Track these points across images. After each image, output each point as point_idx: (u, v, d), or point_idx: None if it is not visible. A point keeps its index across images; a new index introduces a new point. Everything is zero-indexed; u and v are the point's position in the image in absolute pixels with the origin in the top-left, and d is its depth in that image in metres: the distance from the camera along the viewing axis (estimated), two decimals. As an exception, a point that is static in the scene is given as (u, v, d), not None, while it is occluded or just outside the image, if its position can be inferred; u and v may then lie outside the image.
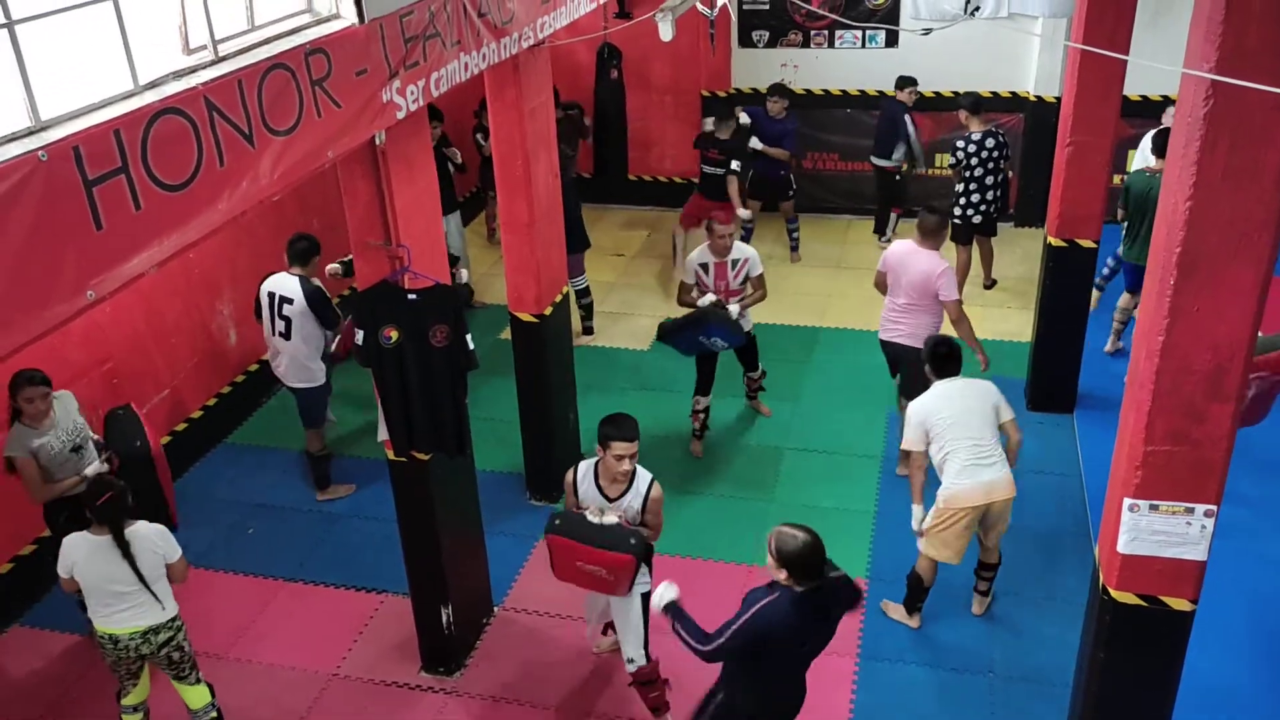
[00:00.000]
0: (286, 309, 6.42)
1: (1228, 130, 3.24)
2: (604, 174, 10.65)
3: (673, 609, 4.16)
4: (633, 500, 4.78)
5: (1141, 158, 8.14)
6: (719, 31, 10.31)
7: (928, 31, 8.01)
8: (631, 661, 4.96)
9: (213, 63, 3.24)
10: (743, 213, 9.03)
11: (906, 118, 9.48)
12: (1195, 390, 3.59)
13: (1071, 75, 6.72)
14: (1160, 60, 4.08)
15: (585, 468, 4.89)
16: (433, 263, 4.75)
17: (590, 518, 4.66)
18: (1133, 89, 7.47)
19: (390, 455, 5.03)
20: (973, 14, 7.85)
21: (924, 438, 5.35)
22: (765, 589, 3.97)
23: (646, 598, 4.90)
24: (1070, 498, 6.62)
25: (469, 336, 4.78)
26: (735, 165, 9.02)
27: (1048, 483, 6.74)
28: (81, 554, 4.58)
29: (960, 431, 5.27)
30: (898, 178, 9.94)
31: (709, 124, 9.69)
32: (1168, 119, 8.14)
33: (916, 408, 5.42)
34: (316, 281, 6.52)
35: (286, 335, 6.46)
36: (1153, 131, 7.82)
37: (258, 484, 7.19)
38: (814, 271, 9.88)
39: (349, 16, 3.85)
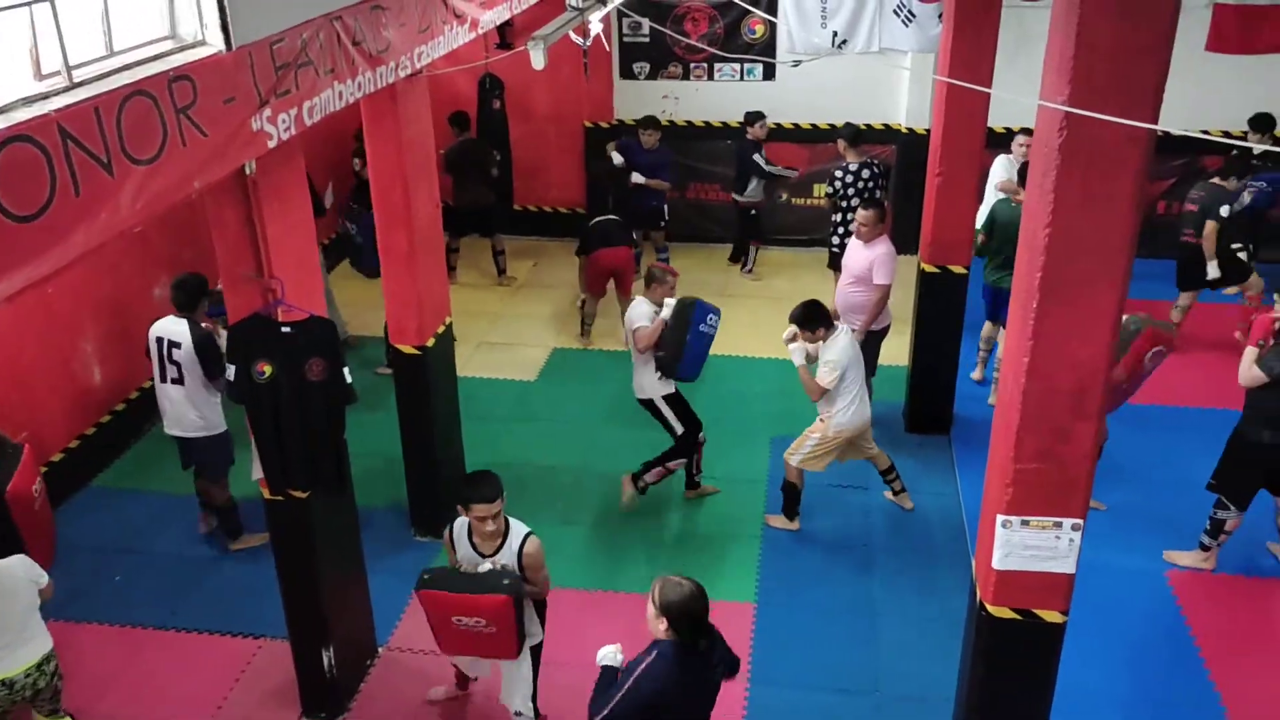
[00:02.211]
0: (176, 354, 6.07)
1: (1082, 159, 3.39)
2: (500, 204, 10.56)
3: (604, 670, 3.99)
4: (507, 558, 4.60)
5: (991, 188, 8.51)
6: (599, 63, 10.40)
7: (798, 63, 8.26)
8: (519, 715, 4.87)
9: (67, 89, 3.09)
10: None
11: (756, 156, 9.72)
12: (1060, 410, 3.73)
13: (939, 108, 6.99)
14: (1021, 93, 4.27)
15: (460, 525, 4.70)
16: (308, 295, 4.62)
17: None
18: (997, 121, 7.81)
19: (266, 494, 4.85)
20: (840, 47, 8.14)
21: (839, 378, 6.25)
22: (644, 652, 3.84)
23: (537, 650, 4.82)
24: (949, 517, 6.82)
25: (347, 369, 4.66)
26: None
27: (927, 503, 6.93)
28: None
29: (855, 374, 6.27)
30: (753, 212, 10.16)
31: (616, 158, 9.72)
32: (1016, 149, 8.52)
33: (837, 354, 6.23)
34: (206, 326, 6.20)
35: (179, 381, 6.12)
36: (1002, 159, 8.21)
37: (126, 528, 6.85)
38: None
39: (216, 43, 3.74)
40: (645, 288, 6.72)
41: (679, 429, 6.73)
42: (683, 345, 6.44)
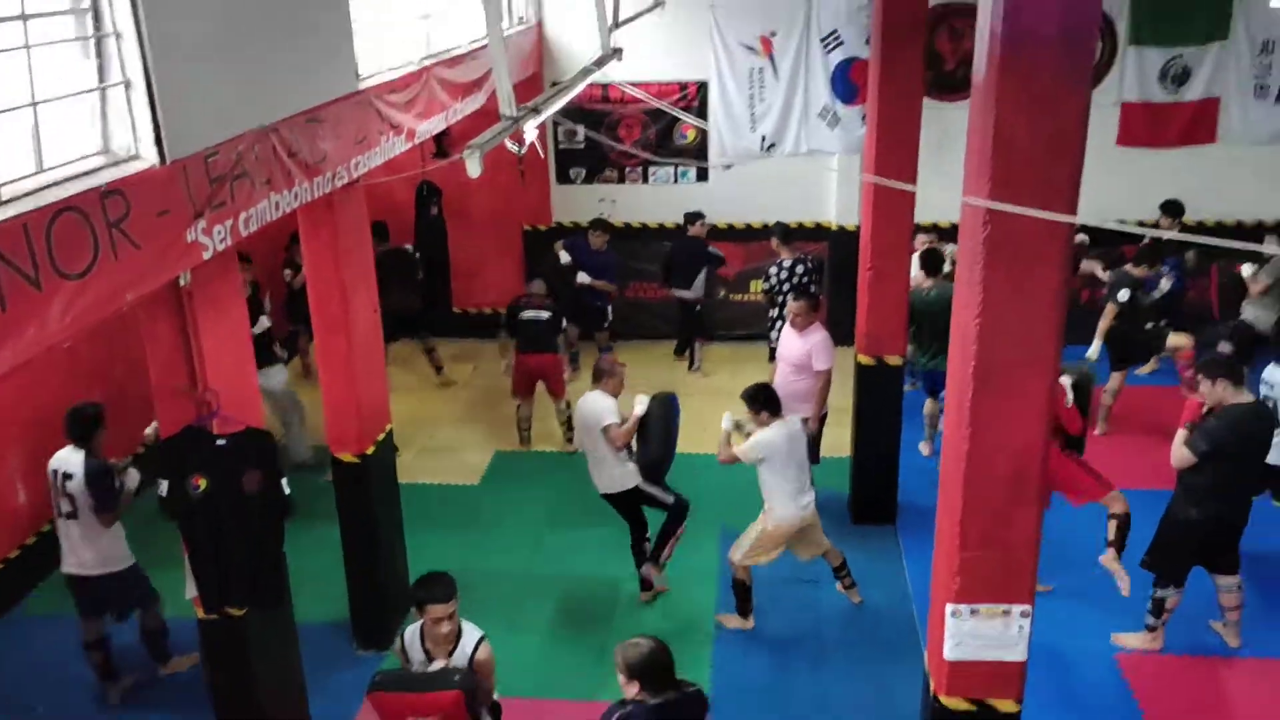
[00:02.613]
0: (69, 486, 5.73)
1: (1007, 252, 3.52)
2: (427, 310, 10.57)
3: None
4: (460, 662, 4.50)
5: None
6: (537, 168, 10.59)
7: (729, 166, 8.50)
8: None
9: (-5, 205, 3.07)
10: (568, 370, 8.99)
11: (710, 249, 9.94)
12: (1000, 495, 3.78)
13: (867, 206, 7.21)
14: (945, 189, 4.43)
15: (411, 632, 4.61)
16: (244, 406, 4.55)
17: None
18: (925, 216, 8.08)
19: (200, 614, 4.68)
20: (769, 150, 8.42)
21: (757, 460, 6.25)
22: (618, 704, 3.89)
23: None
24: (899, 609, 6.79)
25: (285, 481, 4.57)
26: (565, 323, 8.94)
27: (877, 595, 6.90)
28: None
29: (791, 467, 6.24)
30: (697, 308, 10.32)
31: (564, 256, 9.77)
32: (918, 242, 8.78)
33: (768, 437, 6.23)
34: (103, 461, 5.83)
35: (74, 516, 5.76)
36: (918, 252, 8.50)
37: (50, 657, 6.52)
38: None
39: (150, 157, 3.75)
40: (595, 382, 6.74)
41: (669, 499, 6.78)
42: (673, 440, 6.57)
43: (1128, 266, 8.74)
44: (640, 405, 6.55)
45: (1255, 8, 9.24)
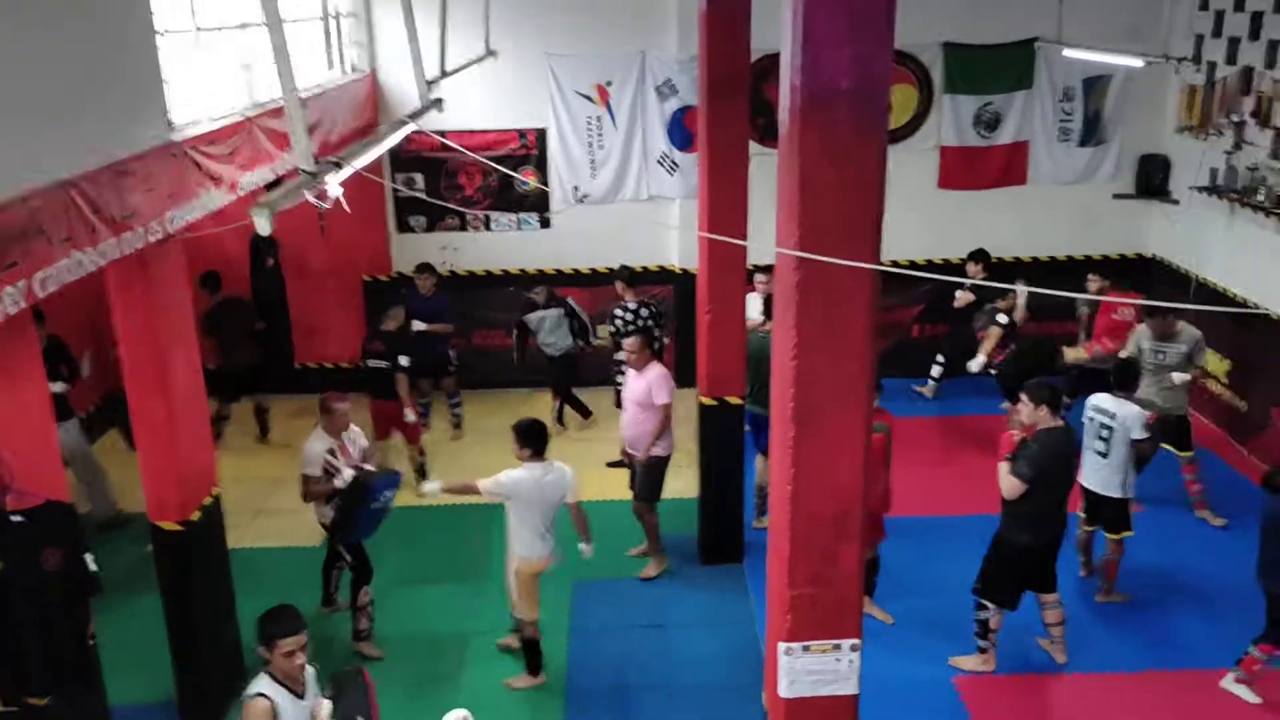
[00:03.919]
0: None
1: (818, 295, 3.62)
2: (268, 363, 10.19)
3: None
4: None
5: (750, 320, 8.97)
6: (375, 216, 10.44)
7: (584, 199, 8.53)
8: None
9: None
10: (409, 414, 8.70)
11: (570, 300, 9.92)
12: (825, 534, 3.86)
13: (702, 252, 7.35)
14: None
15: (268, 687, 4.36)
16: (42, 478, 4.26)
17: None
18: (762, 258, 8.27)
19: (-3, 706, 4.32)
20: (610, 196, 8.50)
21: (504, 499, 6.23)
22: None
23: None
24: (745, 648, 6.81)
25: (89, 556, 4.28)
26: (404, 361, 8.61)
27: (722, 635, 6.93)
28: None
29: (536, 513, 6.16)
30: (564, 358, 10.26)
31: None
32: (759, 285, 8.95)
33: (510, 479, 6.16)
34: None
35: None
36: (751, 297, 8.70)
37: None
38: (491, 446, 9.82)
39: (-75, 215, 3.49)
40: (321, 420, 6.53)
41: (348, 558, 6.70)
42: (353, 516, 6.37)
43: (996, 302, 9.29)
44: (340, 479, 6.39)
45: (1056, 59, 9.95)
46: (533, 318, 9.65)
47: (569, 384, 10.21)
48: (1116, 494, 6.87)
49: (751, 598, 7.34)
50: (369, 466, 6.55)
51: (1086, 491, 7.00)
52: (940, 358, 10.45)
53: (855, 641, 4.01)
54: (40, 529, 4.12)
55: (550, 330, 9.71)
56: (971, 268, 9.73)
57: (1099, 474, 6.88)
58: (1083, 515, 7.19)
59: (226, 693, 6.05)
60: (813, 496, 3.80)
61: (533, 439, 6.23)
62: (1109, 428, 6.79)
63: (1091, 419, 6.90)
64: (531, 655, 6.50)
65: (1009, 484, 6.08)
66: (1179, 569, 7.54)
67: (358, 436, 6.73)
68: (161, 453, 5.65)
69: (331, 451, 6.46)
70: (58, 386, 7.66)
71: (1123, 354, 8.01)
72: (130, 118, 5.05)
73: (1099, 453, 6.83)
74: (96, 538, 6.65)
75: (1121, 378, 7.02)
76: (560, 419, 10.19)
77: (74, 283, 4.30)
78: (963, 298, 9.67)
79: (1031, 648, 6.68)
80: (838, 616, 3.96)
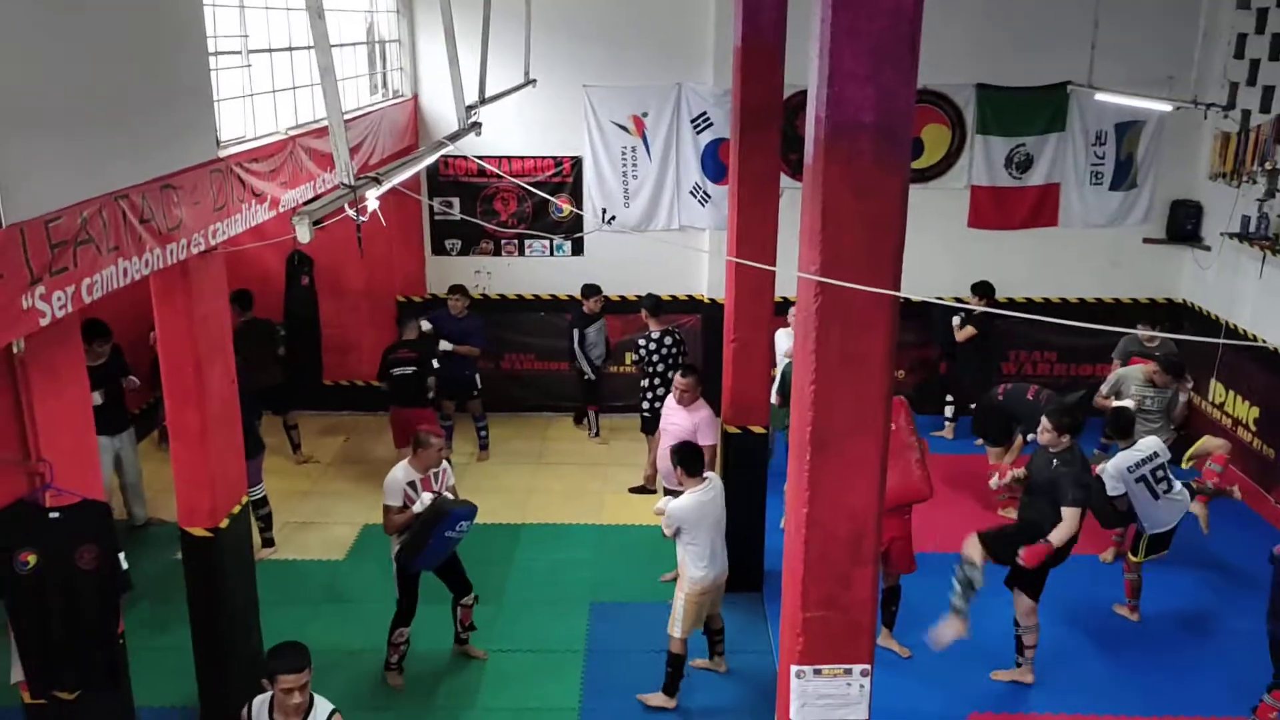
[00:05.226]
0: None
1: (838, 322, 3.70)
2: (291, 385, 10.33)
3: None
4: None
5: (780, 355, 9.01)
6: (412, 238, 10.64)
7: (611, 220, 8.63)
8: None
9: None
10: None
11: (576, 330, 10.07)
12: (840, 557, 3.91)
13: (730, 281, 7.43)
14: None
15: (260, 702, 4.51)
16: (81, 478, 4.39)
17: None
18: (789, 291, 8.33)
19: (26, 699, 4.43)
20: (643, 225, 8.63)
21: (676, 531, 6.30)
22: None
23: None
24: (765, 675, 6.84)
25: (122, 555, 4.40)
26: (435, 363, 8.99)
27: (743, 662, 6.96)
28: None
29: (703, 532, 6.26)
30: (591, 379, 10.41)
31: (425, 325, 9.72)
32: (791, 320, 9.05)
33: (676, 509, 6.27)
34: None
35: None
36: (783, 331, 8.82)
37: None
38: (514, 469, 9.97)
39: (-16, 220, 3.65)
40: (412, 453, 6.50)
41: (399, 595, 6.65)
42: (424, 543, 6.33)
43: None
44: (419, 505, 6.32)
45: (1088, 103, 10.01)
46: (590, 330, 9.91)
47: (593, 402, 10.41)
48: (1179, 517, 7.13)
49: (769, 625, 7.36)
50: (448, 495, 6.52)
51: (1156, 537, 7.14)
52: (950, 397, 10.50)
53: (866, 667, 4.04)
54: (76, 526, 4.24)
55: (594, 340, 10.04)
56: (974, 301, 9.84)
57: (1174, 507, 7.05)
58: (1135, 558, 7.30)
59: (247, 699, 6.12)
60: (829, 519, 3.85)
61: (695, 463, 6.33)
62: (1162, 465, 7.01)
63: (1141, 464, 6.97)
64: (673, 675, 6.49)
65: (1071, 516, 6.17)
66: (1193, 613, 7.54)
67: (447, 473, 6.66)
68: (194, 459, 5.78)
69: (412, 484, 6.40)
70: (131, 383, 8.12)
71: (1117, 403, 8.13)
72: (181, 134, 5.22)
73: (1165, 492, 7.00)
74: (127, 540, 6.80)
75: (1118, 426, 7.28)
76: (596, 431, 10.49)
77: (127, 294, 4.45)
78: (964, 332, 9.74)
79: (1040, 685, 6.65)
80: (850, 641, 4.00)
